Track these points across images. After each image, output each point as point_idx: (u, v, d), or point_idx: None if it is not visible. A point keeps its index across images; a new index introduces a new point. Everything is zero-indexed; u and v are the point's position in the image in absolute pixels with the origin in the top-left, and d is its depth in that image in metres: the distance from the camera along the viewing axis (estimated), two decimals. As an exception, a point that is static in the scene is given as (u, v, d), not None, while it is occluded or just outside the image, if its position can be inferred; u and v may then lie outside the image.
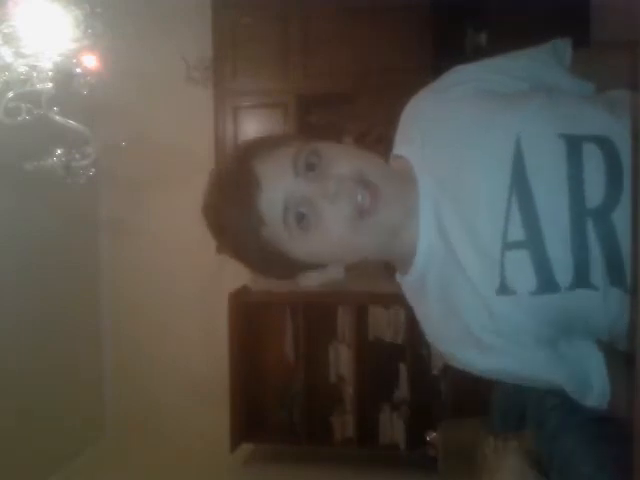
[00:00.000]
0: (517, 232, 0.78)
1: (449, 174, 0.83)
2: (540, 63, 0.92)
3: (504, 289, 0.79)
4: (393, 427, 3.30)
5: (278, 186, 0.80)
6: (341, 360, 3.40)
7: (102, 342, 3.86)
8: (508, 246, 0.78)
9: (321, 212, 0.79)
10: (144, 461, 3.40)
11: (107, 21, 2.00)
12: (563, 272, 0.78)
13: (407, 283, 0.90)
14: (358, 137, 3.26)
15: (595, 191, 0.77)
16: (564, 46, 0.93)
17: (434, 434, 2.87)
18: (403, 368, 3.26)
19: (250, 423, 3.40)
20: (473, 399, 2.28)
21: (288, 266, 0.85)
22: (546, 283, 0.78)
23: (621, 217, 0.76)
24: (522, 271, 0.78)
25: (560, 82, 0.91)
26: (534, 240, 0.78)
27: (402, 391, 3.31)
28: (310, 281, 0.88)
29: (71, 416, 3.39)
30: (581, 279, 0.78)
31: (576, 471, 1.27)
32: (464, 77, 0.91)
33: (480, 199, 0.80)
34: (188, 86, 3.52)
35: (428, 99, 0.93)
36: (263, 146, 0.84)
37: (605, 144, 0.78)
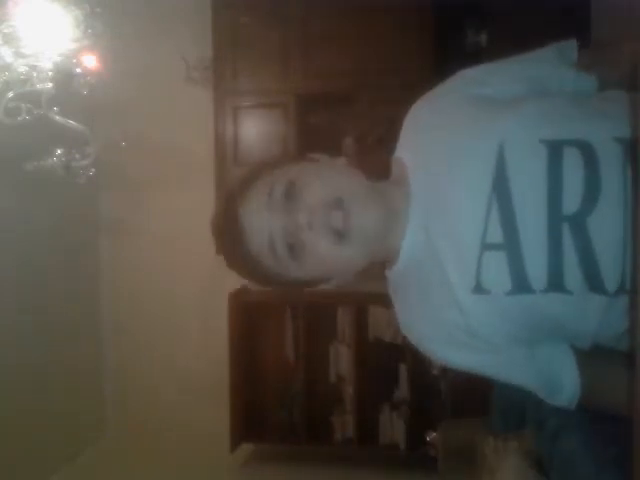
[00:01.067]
0: (495, 234, 0.81)
1: (437, 177, 0.87)
2: (543, 63, 0.94)
3: (479, 289, 0.82)
4: (393, 427, 3.30)
5: (259, 227, 0.86)
6: (341, 360, 3.40)
7: (102, 342, 3.86)
8: (486, 247, 0.81)
9: (304, 241, 0.84)
10: (144, 461, 3.39)
11: (107, 21, 2.00)
12: (537, 276, 0.80)
13: (391, 277, 0.95)
14: (358, 137, 3.26)
15: (573, 197, 0.79)
16: (570, 47, 0.95)
17: (434, 434, 2.87)
18: (403, 368, 3.26)
19: (250, 423, 3.40)
20: (473, 399, 2.28)
21: (297, 284, 0.92)
22: (520, 285, 0.80)
23: (597, 223, 0.78)
24: (498, 272, 0.81)
25: (564, 82, 0.92)
26: (511, 243, 0.80)
27: (402, 391, 3.31)
28: (321, 287, 0.94)
29: (71, 416, 3.39)
30: (555, 283, 0.80)
31: (576, 471, 1.27)
32: (462, 82, 0.94)
33: (462, 201, 0.83)
34: (188, 86, 3.52)
35: (428, 103, 0.96)
36: (243, 187, 0.89)
37: (586, 149, 0.80)
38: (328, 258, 0.86)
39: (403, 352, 3.21)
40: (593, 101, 0.89)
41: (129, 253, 3.77)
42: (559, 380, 0.87)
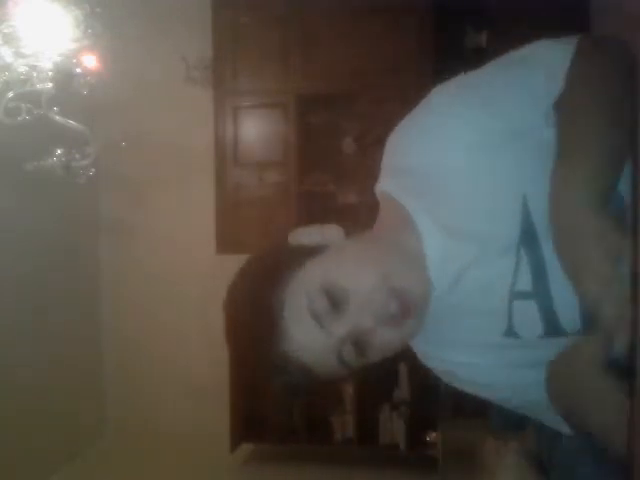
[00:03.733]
0: (524, 283, 0.80)
1: (455, 224, 0.82)
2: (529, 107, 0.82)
3: (511, 332, 0.82)
4: (393, 427, 3.30)
5: (314, 347, 0.80)
6: (341, 360, 3.39)
7: (102, 342, 3.86)
8: (515, 296, 0.80)
9: (370, 339, 0.81)
10: (144, 461, 3.39)
11: (107, 21, 2.00)
12: (570, 319, 0.79)
13: None
14: (358, 137, 3.26)
15: None
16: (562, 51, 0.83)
17: (434, 434, 2.87)
18: (403, 368, 3.26)
19: (250, 423, 3.40)
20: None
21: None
22: (553, 330, 0.80)
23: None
24: (529, 319, 0.80)
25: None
26: (540, 290, 0.79)
27: (402, 391, 3.31)
28: None
29: (71, 416, 3.39)
30: (589, 325, 0.77)
31: (576, 471, 1.27)
32: (447, 110, 0.83)
33: (489, 253, 0.81)
34: (188, 86, 3.52)
35: (412, 133, 0.87)
36: (276, 305, 0.79)
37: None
38: (396, 343, 0.85)
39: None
40: None
41: (129, 253, 3.77)
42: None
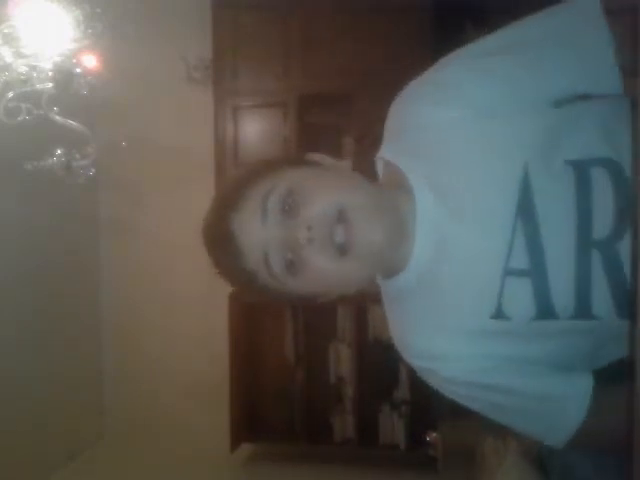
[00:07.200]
0: (520, 260, 0.76)
1: (451, 195, 0.81)
2: (557, 72, 0.82)
3: (500, 314, 0.78)
4: (393, 427, 3.30)
5: (255, 242, 0.79)
6: (341, 360, 3.40)
7: (102, 342, 3.86)
8: (509, 272, 0.77)
9: (304, 256, 0.78)
10: (144, 461, 3.39)
11: (107, 21, 2.00)
12: (564, 303, 0.76)
13: (387, 287, 0.89)
14: (358, 137, 3.26)
15: (603, 221, 0.75)
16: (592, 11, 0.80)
17: (434, 434, 2.87)
18: (403, 368, 3.26)
19: (250, 423, 3.40)
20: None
21: (295, 300, 0.88)
22: (545, 312, 0.77)
23: (628, 247, 0.74)
24: (522, 299, 0.77)
25: (577, 86, 0.82)
26: (537, 269, 0.76)
27: (402, 391, 3.31)
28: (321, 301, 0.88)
29: (71, 416, 3.39)
30: (583, 310, 0.76)
31: (576, 471, 1.27)
32: (456, 80, 0.84)
33: (484, 223, 0.78)
34: (188, 86, 3.52)
35: (419, 102, 0.86)
36: (235, 195, 0.82)
37: (613, 167, 0.75)
38: (329, 274, 0.80)
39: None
40: (618, 108, 0.80)
41: (129, 253, 3.77)
42: (558, 420, 0.81)
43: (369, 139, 3.13)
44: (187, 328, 3.66)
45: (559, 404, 0.81)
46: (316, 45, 3.22)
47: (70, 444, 3.45)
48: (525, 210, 0.76)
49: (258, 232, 0.79)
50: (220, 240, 0.82)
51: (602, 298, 0.76)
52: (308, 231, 0.77)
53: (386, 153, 0.89)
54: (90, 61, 2.05)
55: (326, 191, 0.80)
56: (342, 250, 0.77)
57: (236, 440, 3.34)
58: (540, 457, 1.62)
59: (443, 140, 0.83)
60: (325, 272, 0.79)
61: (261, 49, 3.31)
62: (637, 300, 0.60)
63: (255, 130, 3.43)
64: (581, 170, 0.75)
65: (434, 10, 3.12)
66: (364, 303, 3.28)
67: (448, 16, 3.14)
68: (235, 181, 0.85)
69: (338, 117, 3.38)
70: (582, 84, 0.81)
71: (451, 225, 0.80)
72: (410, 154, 0.85)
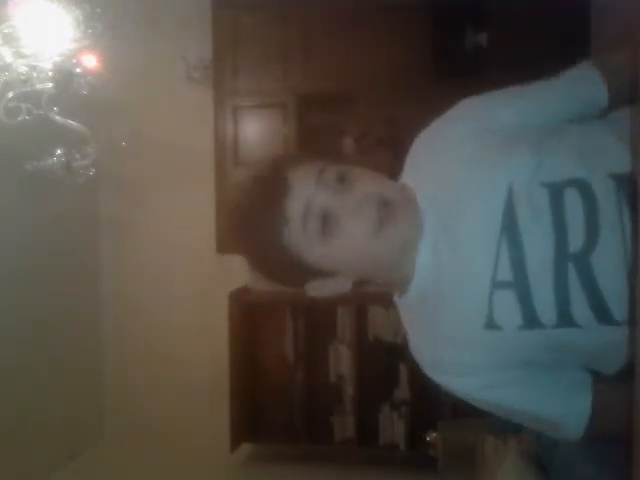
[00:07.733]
0: (505, 273, 0.83)
1: (447, 212, 0.88)
2: (554, 101, 0.95)
3: (491, 325, 0.84)
4: (393, 427, 3.30)
5: (303, 192, 0.84)
6: (341, 360, 3.40)
7: (102, 342, 3.86)
8: (496, 285, 0.83)
9: (343, 223, 0.83)
10: (144, 461, 3.39)
11: (107, 21, 2.00)
12: (547, 312, 0.82)
13: (402, 305, 0.96)
14: (358, 137, 3.26)
15: (576, 236, 0.82)
16: (589, 79, 0.93)
17: (434, 434, 2.87)
18: (403, 368, 3.26)
19: (250, 423, 3.40)
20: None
21: (299, 271, 0.88)
22: (531, 322, 0.82)
23: (600, 260, 0.81)
24: (509, 310, 0.83)
25: (571, 113, 0.94)
26: (520, 281, 0.82)
27: (402, 391, 3.31)
28: (317, 291, 0.91)
29: (71, 416, 3.39)
30: (564, 319, 0.82)
31: (576, 471, 1.27)
32: (469, 112, 0.94)
33: (473, 239, 0.85)
34: (188, 86, 3.52)
35: (434, 132, 0.96)
36: (296, 158, 0.90)
37: (584, 187, 0.82)
38: (358, 247, 0.85)
39: (403, 352, 3.20)
40: (594, 132, 0.90)
41: (129, 253, 3.77)
42: (567, 408, 0.88)
43: (369, 139, 3.13)
44: (187, 328, 3.67)
45: (557, 424, 0.89)
46: (316, 45, 3.22)
47: (70, 444, 3.45)
48: (508, 227, 0.83)
49: (310, 186, 0.84)
50: (270, 179, 0.85)
51: (581, 306, 0.81)
52: (358, 201, 0.83)
53: (403, 175, 0.97)
54: (90, 61, 2.05)
55: (374, 179, 0.88)
56: (381, 221, 0.83)
57: (236, 440, 3.34)
58: (540, 457, 1.63)
59: (445, 159, 0.91)
60: (356, 243, 0.84)
61: (261, 49, 3.31)
62: (637, 302, 0.60)
63: (255, 130, 3.43)
64: (555, 192, 0.83)
65: (434, 10, 3.12)
66: (364, 303, 3.29)
67: (448, 16, 3.14)
68: (294, 154, 0.93)
69: (338, 117, 3.38)
70: (573, 115, 0.93)
71: (447, 243, 0.87)
72: (419, 174, 0.94)
